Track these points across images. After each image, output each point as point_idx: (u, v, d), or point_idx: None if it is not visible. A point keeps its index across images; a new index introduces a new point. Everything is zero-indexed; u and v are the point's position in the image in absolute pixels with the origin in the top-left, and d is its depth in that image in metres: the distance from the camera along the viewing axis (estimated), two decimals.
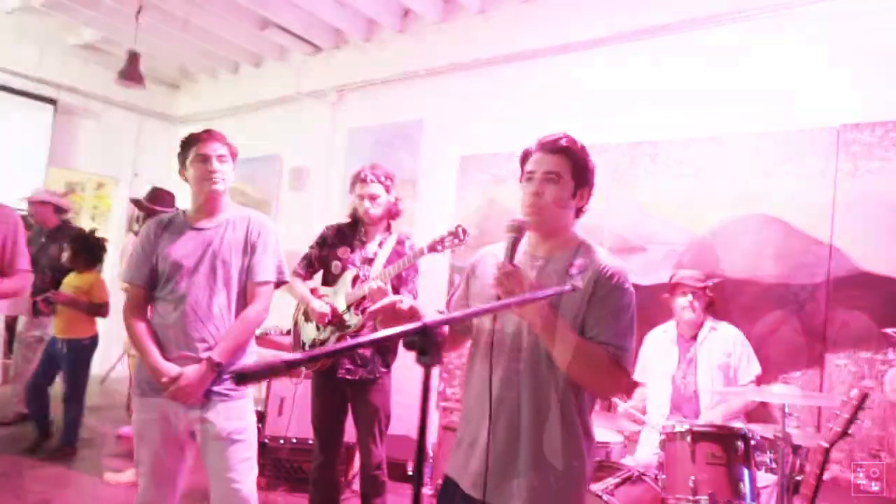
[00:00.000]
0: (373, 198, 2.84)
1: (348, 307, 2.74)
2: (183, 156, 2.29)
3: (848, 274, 3.14)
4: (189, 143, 2.27)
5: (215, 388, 2.15)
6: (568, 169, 1.65)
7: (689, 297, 3.15)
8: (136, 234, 6.81)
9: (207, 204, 2.26)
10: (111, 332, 5.04)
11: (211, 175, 2.22)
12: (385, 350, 2.85)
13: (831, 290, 3.17)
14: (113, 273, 6.36)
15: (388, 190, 2.88)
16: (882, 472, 2.95)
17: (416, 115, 4.91)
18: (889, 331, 3.00)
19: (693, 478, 2.21)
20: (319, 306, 2.72)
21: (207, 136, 2.26)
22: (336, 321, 2.73)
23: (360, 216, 2.88)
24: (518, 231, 1.56)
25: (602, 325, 1.54)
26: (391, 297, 1.69)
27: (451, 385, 4.48)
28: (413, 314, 1.70)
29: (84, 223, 7.03)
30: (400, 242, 2.91)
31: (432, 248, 2.54)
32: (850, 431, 1.81)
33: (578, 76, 4.14)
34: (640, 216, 3.82)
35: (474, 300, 1.77)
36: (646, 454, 2.87)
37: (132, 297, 2.24)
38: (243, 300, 2.25)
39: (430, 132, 4.86)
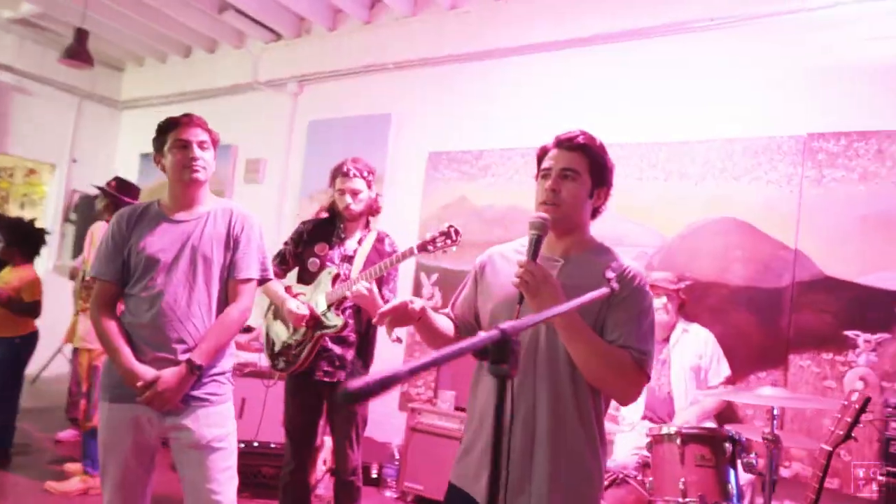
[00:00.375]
0: (354, 193, 2.73)
1: (329, 307, 2.62)
2: (159, 141, 2.12)
3: (812, 278, 3.26)
4: (167, 127, 2.11)
5: (194, 393, 2.00)
6: (586, 166, 1.60)
7: (664, 299, 3.19)
8: (73, 223, 6.45)
9: (186, 194, 2.10)
10: (42, 329, 4.70)
11: (192, 163, 2.06)
12: (365, 351, 2.75)
13: (796, 293, 3.28)
14: (48, 266, 5.95)
15: (369, 185, 2.78)
16: (840, 469, 3.09)
17: (384, 109, 4.79)
18: (850, 333, 3.13)
19: (683, 480, 2.22)
20: (297, 306, 2.59)
21: (187, 120, 2.10)
22: (314, 322, 2.61)
23: (340, 211, 2.76)
24: (542, 229, 1.50)
25: (623, 327, 1.50)
26: (401, 299, 1.61)
27: (414, 385, 4.40)
28: (423, 315, 1.63)
29: (12, 212, 6.55)
30: (380, 240, 2.81)
31: (422, 249, 2.45)
32: (853, 435, 1.86)
33: (550, 76, 4.14)
34: (611, 218, 3.81)
35: (485, 301, 1.70)
36: (623, 455, 2.88)
37: (101, 294, 2.05)
38: (224, 298, 2.10)
39: (398, 127, 4.75)
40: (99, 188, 3.65)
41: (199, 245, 2.06)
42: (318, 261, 2.73)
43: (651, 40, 3.81)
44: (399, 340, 2.07)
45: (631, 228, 3.78)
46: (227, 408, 2.08)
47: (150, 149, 2.22)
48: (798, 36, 3.39)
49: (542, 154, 1.67)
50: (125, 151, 6.55)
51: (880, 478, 2.66)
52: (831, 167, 3.27)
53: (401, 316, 1.59)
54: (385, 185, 4.77)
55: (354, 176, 2.72)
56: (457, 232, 2.41)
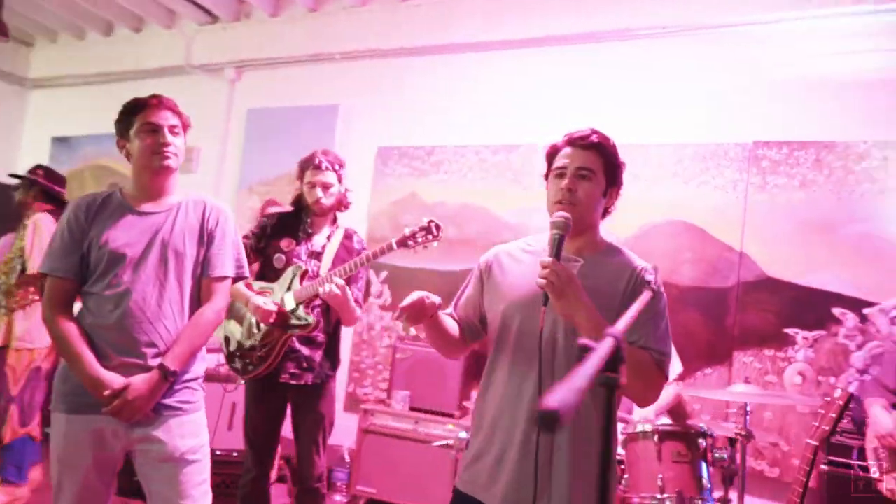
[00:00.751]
0: (326, 186, 2.60)
1: (298, 305, 2.48)
2: (125, 125, 1.92)
3: (756, 279, 3.43)
4: (133, 109, 1.91)
5: (166, 401, 1.83)
6: (600, 166, 1.59)
7: None
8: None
9: (155, 183, 1.92)
10: None
11: (162, 149, 1.88)
12: (333, 353, 2.63)
13: (741, 293, 3.45)
14: None
15: (340, 179, 2.66)
16: (780, 459, 3.28)
17: (331, 100, 4.63)
18: (790, 331, 3.32)
19: (661, 476, 2.26)
20: (264, 303, 2.44)
21: (157, 102, 1.91)
22: (282, 321, 2.46)
23: (309, 205, 2.62)
24: (565, 229, 1.47)
25: (643, 329, 1.50)
26: (419, 294, 1.54)
27: (361, 385, 4.29)
28: (436, 309, 1.58)
29: None
30: (348, 237, 2.70)
31: (402, 244, 2.37)
32: (837, 430, 1.96)
33: (505, 74, 4.14)
34: None
35: (494, 301, 1.65)
36: None
37: (55, 292, 1.84)
38: (197, 297, 1.94)
39: (345, 119, 4.61)
40: (23, 177, 3.29)
41: (171, 239, 1.89)
42: (283, 257, 2.58)
43: (606, 44, 3.88)
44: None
45: None
46: (201, 416, 1.92)
47: (64, 132, 2.02)
48: (745, 48, 3.56)
49: (553, 152, 1.64)
50: (34, 135, 5.97)
51: (823, 467, 2.84)
52: (774, 174, 3.46)
53: (418, 311, 1.52)
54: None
55: (326, 169, 2.59)
56: (438, 227, 2.35)
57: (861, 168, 3.30)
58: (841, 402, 1.79)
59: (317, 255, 2.61)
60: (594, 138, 1.59)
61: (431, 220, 2.36)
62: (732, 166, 3.54)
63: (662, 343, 1.51)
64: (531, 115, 4.05)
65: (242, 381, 2.64)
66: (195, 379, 1.92)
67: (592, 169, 1.57)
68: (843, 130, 3.33)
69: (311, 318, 2.46)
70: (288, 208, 2.72)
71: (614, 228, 3.76)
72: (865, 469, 2.50)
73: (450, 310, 1.75)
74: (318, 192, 2.58)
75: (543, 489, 1.46)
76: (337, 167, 2.64)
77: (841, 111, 3.36)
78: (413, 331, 1.65)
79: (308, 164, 2.61)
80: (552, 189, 1.59)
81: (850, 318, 3.23)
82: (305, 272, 2.54)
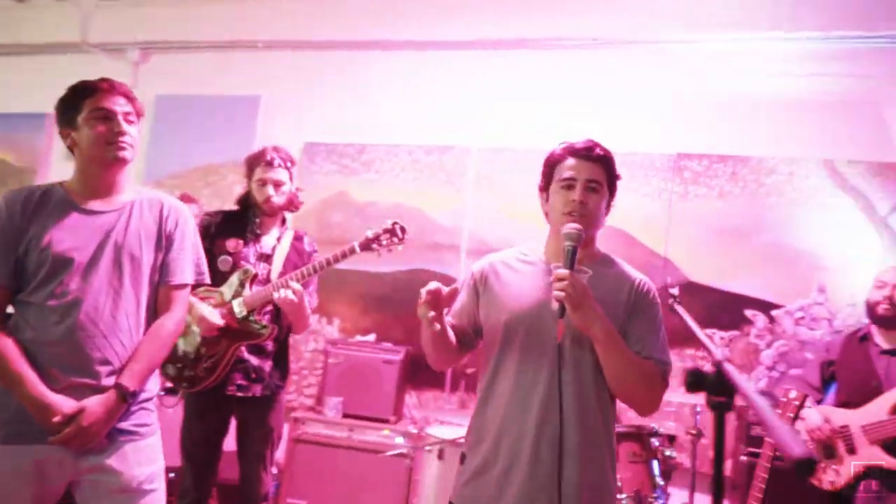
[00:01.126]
0: (278, 184, 2.44)
1: (250, 312, 2.30)
2: (70, 111, 1.69)
3: (678, 283, 3.64)
4: (81, 93, 1.69)
5: (121, 425, 1.63)
6: (605, 178, 1.62)
7: None
8: None
9: (105, 178, 1.71)
10: None
11: (117, 138, 1.68)
12: (283, 362, 2.48)
13: (665, 297, 3.64)
14: None
15: (291, 177, 2.51)
16: (696, 450, 3.50)
17: (252, 90, 4.37)
18: (708, 332, 3.56)
19: (619, 477, 2.33)
20: (210, 312, 2.24)
21: (108, 86, 1.70)
22: (230, 330, 2.28)
23: (258, 204, 2.45)
24: (578, 240, 1.47)
25: (646, 339, 1.53)
26: (435, 284, 1.48)
27: (286, 392, 4.08)
28: (453, 299, 1.56)
29: None
30: (299, 238, 2.55)
31: (366, 247, 2.27)
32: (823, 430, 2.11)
33: (440, 75, 4.11)
34: (500, 220, 3.94)
35: (493, 311, 1.62)
36: None
37: None
38: (154, 308, 1.74)
39: (268, 112, 4.37)
40: None
41: (125, 242, 1.68)
42: (230, 258, 2.39)
43: (539, 52, 3.96)
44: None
45: (518, 231, 3.90)
46: (157, 440, 1.74)
47: None
48: (672, 65, 3.77)
49: (554, 162, 1.64)
50: None
51: (742, 458, 3.06)
52: (695, 184, 3.68)
53: (437, 300, 1.49)
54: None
55: (279, 166, 2.44)
56: (403, 229, 2.28)
57: (770, 181, 3.59)
58: (797, 403, 1.95)
59: (266, 258, 2.45)
60: (599, 151, 1.61)
61: (396, 223, 2.29)
62: (658, 176, 3.74)
63: (664, 352, 1.55)
64: (465, 117, 4.04)
65: (176, 401, 2.42)
66: (150, 399, 1.73)
67: (600, 181, 1.59)
68: (756, 146, 3.62)
69: (267, 327, 2.30)
70: (232, 207, 2.53)
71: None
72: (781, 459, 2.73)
73: (448, 317, 1.70)
74: (270, 190, 2.42)
75: (554, 497, 1.46)
76: (289, 164, 2.49)
77: (754, 129, 3.64)
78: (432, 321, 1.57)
79: (258, 161, 2.44)
80: (559, 200, 1.59)
81: (761, 319, 3.52)
82: (255, 276, 2.37)
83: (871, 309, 2.45)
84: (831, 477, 2.22)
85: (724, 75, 3.72)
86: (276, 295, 2.24)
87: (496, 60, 4.02)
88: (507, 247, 3.93)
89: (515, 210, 3.92)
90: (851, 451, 2.32)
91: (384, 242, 2.26)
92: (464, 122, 4.04)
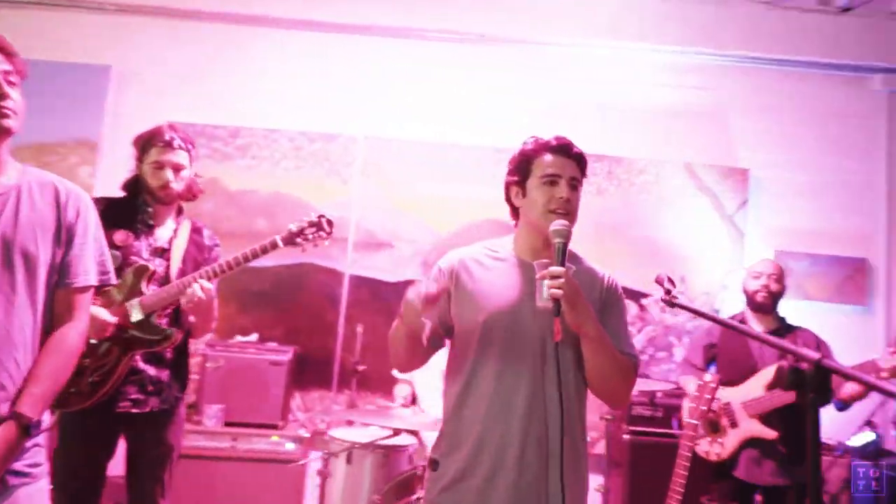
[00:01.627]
0: (177, 168, 2.14)
1: (150, 314, 1.99)
2: None
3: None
4: None
5: (15, 465, 1.31)
6: (580, 176, 1.62)
7: None
8: None
9: None
10: None
11: None
12: (183, 371, 2.18)
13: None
14: None
15: (191, 161, 2.21)
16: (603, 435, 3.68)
17: (100, 59, 3.81)
18: None
19: None
20: (99, 310, 1.90)
21: None
22: (122, 336, 1.95)
23: (153, 191, 2.12)
24: (568, 237, 1.45)
25: (618, 335, 1.55)
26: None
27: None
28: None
29: None
30: (197, 231, 2.26)
31: (289, 242, 2.06)
32: (714, 409, 2.27)
33: (326, 58, 3.90)
34: (389, 212, 3.84)
35: (467, 310, 1.55)
36: None
37: None
38: (50, 316, 1.43)
39: (120, 85, 3.84)
40: None
41: (16, 236, 1.37)
42: (119, 253, 2.04)
43: (431, 43, 3.91)
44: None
45: (407, 224, 3.84)
46: (46, 483, 1.43)
47: None
48: (552, 65, 3.93)
49: (531, 156, 1.61)
50: None
51: (625, 437, 3.29)
52: None
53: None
54: (101, 156, 3.83)
55: (179, 148, 2.14)
56: (329, 222, 2.11)
57: (640, 181, 3.90)
58: (713, 385, 2.12)
59: (162, 253, 2.13)
60: (576, 149, 1.61)
61: (322, 216, 2.11)
62: None
63: (633, 346, 1.59)
64: (352, 105, 3.89)
65: (50, 422, 2.02)
66: (41, 432, 1.42)
67: (579, 179, 1.59)
68: (628, 148, 3.90)
69: (172, 332, 2.00)
70: (119, 194, 2.17)
71: (439, 226, 3.84)
72: (671, 436, 3.00)
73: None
74: (168, 174, 2.11)
75: (540, 497, 1.44)
76: (189, 147, 2.19)
77: (627, 132, 3.93)
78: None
79: (154, 141, 2.11)
80: (541, 195, 1.55)
81: (632, 308, 3.81)
82: (152, 273, 2.05)
83: (749, 297, 2.74)
84: (717, 449, 2.46)
85: (601, 80, 3.96)
86: (184, 297, 1.95)
87: (386, 48, 3.91)
88: (395, 239, 3.91)
89: (404, 202, 3.85)
90: (734, 424, 2.59)
91: (310, 237, 2.08)
92: (351, 110, 3.88)
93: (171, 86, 3.84)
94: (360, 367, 3.37)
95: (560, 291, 1.35)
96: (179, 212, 2.24)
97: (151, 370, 2.05)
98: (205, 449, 3.17)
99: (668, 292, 1.46)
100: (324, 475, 2.56)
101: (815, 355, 0.81)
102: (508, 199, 1.66)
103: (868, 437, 3.41)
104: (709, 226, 3.91)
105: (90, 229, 1.50)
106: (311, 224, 2.09)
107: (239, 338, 3.47)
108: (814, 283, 3.92)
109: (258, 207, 3.82)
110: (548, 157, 1.58)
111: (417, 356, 1.57)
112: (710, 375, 2.14)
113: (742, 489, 2.61)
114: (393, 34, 3.90)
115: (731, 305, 3.81)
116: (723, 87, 4.00)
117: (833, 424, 2.90)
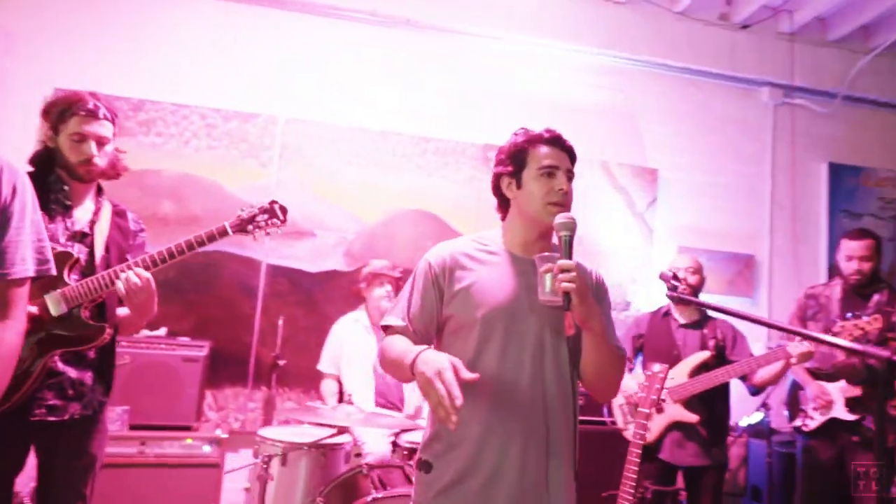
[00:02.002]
0: (102, 142, 1.88)
1: (72, 309, 1.73)
2: None
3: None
4: None
5: None
6: (572, 167, 1.61)
7: (388, 287, 3.24)
8: None
9: None
10: None
11: None
12: (108, 372, 1.93)
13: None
14: None
15: (114, 134, 1.95)
16: None
17: None
18: None
19: None
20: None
21: None
22: (40, 332, 1.69)
23: (71, 166, 1.85)
24: (573, 230, 1.43)
25: (608, 328, 1.56)
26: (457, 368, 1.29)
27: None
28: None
29: None
30: (120, 214, 2.01)
31: (239, 229, 1.88)
32: (664, 398, 2.34)
33: (243, 32, 3.64)
34: (311, 198, 3.66)
35: (464, 307, 1.49)
36: (380, 447, 2.83)
37: None
38: None
39: (7, 47, 3.34)
40: None
41: None
42: None
43: (355, 24, 3.77)
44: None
45: (330, 212, 3.69)
46: None
47: None
48: (480, 56, 3.93)
49: (525, 147, 1.56)
50: None
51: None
52: None
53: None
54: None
55: (104, 118, 1.88)
56: (283, 209, 1.95)
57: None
58: (662, 375, 2.21)
59: (82, 237, 1.87)
60: (568, 142, 1.59)
61: (274, 202, 1.95)
62: (468, 164, 3.87)
63: (619, 340, 1.61)
64: (274, 84, 3.67)
65: None
66: None
67: (573, 171, 1.58)
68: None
69: (102, 327, 1.76)
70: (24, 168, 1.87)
71: (364, 214, 3.72)
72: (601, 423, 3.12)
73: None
74: (92, 147, 1.85)
75: (542, 495, 1.42)
76: (113, 117, 1.94)
77: (545, 126, 4.01)
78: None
79: (74, 108, 1.84)
80: (540, 187, 1.52)
81: None
82: (76, 261, 1.79)
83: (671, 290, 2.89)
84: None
85: (521, 74, 4.02)
86: (119, 285, 1.72)
87: (311, 26, 3.72)
88: (319, 228, 3.73)
89: (327, 188, 3.69)
90: (659, 410, 2.73)
91: (261, 224, 1.90)
92: (271, 89, 3.66)
93: (61, 49, 3.42)
94: (281, 362, 3.19)
95: (573, 285, 1.33)
96: (99, 191, 1.97)
97: (72, 372, 1.79)
98: (108, 455, 2.84)
99: (673, 288, 1.48)
100: (263, 479, 2.38)
101: (886, 353, 0.85)
102: (497, 191, 1.61)
103: (757, 417, 3.75)
104: (622, 222, 4.09)
105: (27, 212, 1.28)
106: (263, 210, 1.92)
107: (146, 332, 3.16)
108: (710, 277, 4.23)
109: (163, 189, 3.50)
110: (544, 149, 1.55)
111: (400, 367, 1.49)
112: (658, 366, 2.23)
113: (666, 470, 2.76)
114: (319, 12, 3.72)
115: (641, 298, 4.03)
116: (635, 90, 4.20)
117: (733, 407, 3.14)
